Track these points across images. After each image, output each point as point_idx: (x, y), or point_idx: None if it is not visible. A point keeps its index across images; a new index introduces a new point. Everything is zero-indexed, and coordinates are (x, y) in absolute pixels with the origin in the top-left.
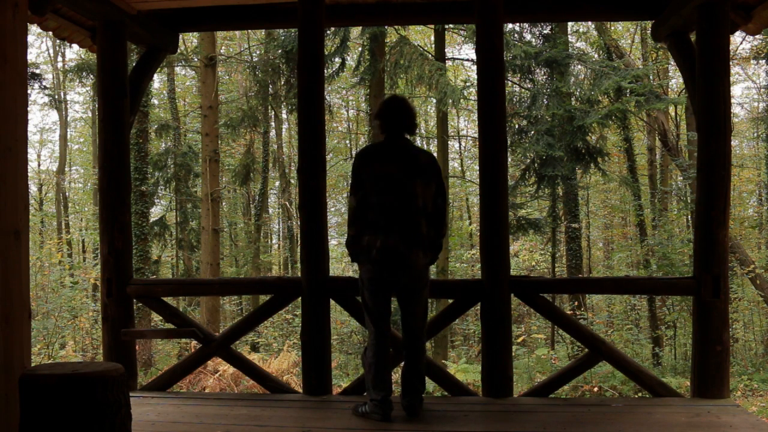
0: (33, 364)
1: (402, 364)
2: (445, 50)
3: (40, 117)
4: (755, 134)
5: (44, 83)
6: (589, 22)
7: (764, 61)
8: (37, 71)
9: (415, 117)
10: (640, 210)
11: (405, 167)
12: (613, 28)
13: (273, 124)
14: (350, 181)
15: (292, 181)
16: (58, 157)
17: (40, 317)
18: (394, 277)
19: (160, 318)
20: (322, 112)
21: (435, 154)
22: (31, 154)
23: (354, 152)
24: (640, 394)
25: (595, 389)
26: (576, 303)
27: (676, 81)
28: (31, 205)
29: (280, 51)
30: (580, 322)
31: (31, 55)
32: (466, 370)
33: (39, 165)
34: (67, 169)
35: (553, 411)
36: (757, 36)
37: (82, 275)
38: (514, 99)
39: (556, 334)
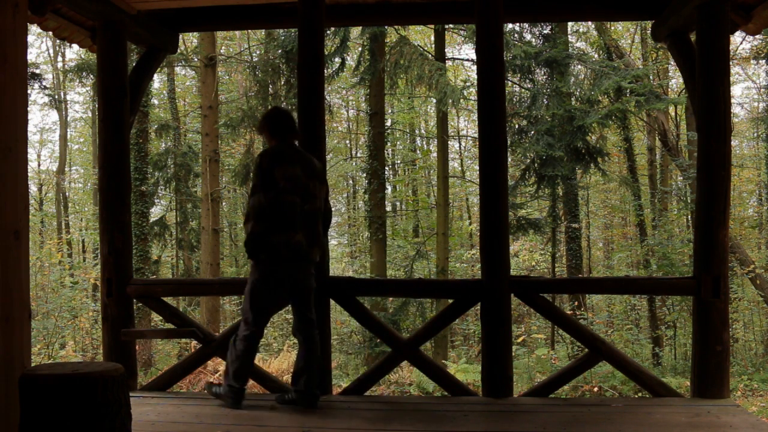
0: (33, 364)
1: (300, 353)
2: (445, 50)
3: (40, 117)
4: (755, 134)
5: (44, 83)
6: (589, 22)
7: (764, 61)
8: (37, 71)
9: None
10: (640, 210)
11: (305, 169)
12: (613, 28)
13: None
14: (255, 180)
15: None
16: (58, 157)
17: (40, 317)
18: (293, 275)
19: (160, 318)
20: (322, 112)
21: (435, 154)
22: (31, 154)
23: (354, 152)
24: (640, 394)
25: (595, 389)
26: (576, 303)
27: (676, 81)
28: (31, 205)
29: (280, 51)
30: (580, 322)
31: (31, 55)
32: (466, 370)
33: (39, 165)
34: (67, 169)
35: (553, 411)
36: (757, 36)
37: (82, 275)
38: (514, 99)
39: (556, 334)
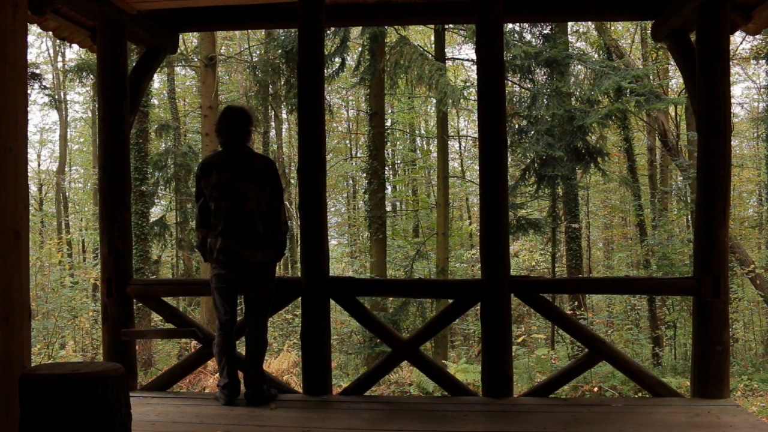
0: (33, 364)
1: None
2: (445, 50)
3: (40, 117)
4: (755, 134)
5: (44, 83)
6: (589, 22)
7: (764, 61)
8: (37, 71)
9: (251, 124)
10: (640, 210)
11: (239, 173)
12: (613, 28)
13: (273, 124)
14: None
15: (292, 181)
16: (58, 157)
17: (40, 317)
18: (234, 275)
19: (160, 318)
20: (322, 112)
21: (435, 154)
22: (31, 154)
23: (354, 152)
24: (640, 394)
25: (595, 389)
26: (576, 303)
27: (676, 81)
28: (31, 205)
29: (280, 51)
30: (580, 322)
31: (31, 55)
32: (466, 370)
33: (39, 165)
34: (67, 169)
35: (553, 411)
36: (757, 36)
37: (82, 275)
38: (514, 99)
39: (556, 334)
